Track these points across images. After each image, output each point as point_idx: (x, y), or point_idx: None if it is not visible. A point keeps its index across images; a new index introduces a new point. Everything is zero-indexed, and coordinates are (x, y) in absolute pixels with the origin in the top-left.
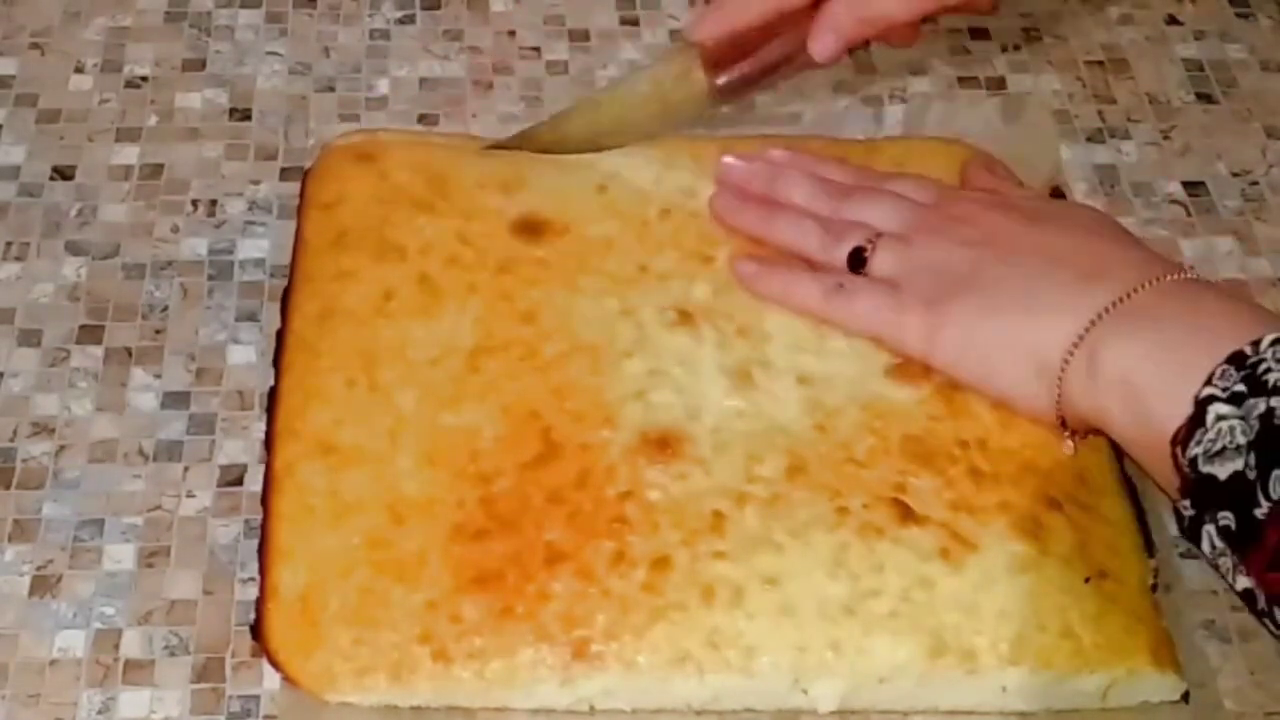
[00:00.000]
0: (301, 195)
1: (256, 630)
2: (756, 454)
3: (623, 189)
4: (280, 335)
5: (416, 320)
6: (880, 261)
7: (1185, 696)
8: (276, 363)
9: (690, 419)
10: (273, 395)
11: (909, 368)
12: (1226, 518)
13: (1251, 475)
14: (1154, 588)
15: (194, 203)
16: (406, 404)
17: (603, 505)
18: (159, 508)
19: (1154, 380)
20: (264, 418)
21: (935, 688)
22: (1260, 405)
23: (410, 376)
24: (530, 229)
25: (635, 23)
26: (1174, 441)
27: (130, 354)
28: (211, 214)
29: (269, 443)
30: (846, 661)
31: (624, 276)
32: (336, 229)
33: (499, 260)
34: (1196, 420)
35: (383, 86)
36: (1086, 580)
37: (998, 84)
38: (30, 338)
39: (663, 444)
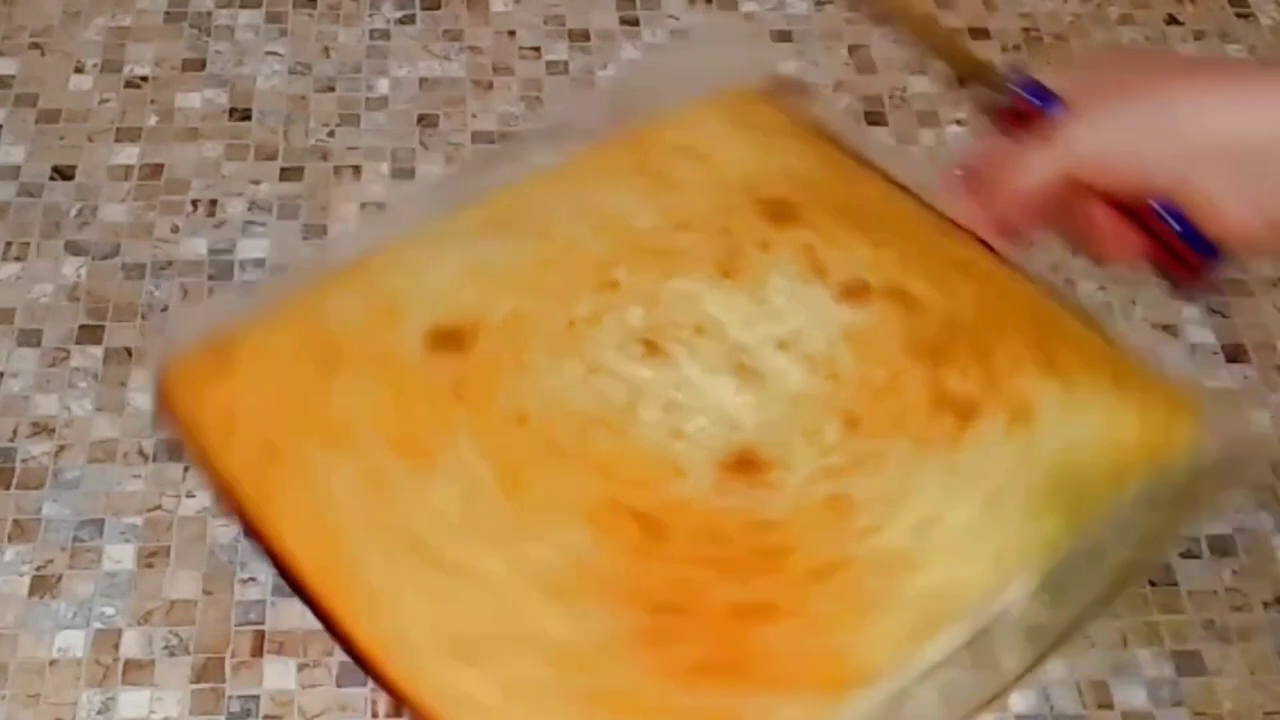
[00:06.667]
0: (181, 428)
1: None
2: (810, 428)
3: (490, 265)
4: (279, 564)
5: (420, 481)
6: None
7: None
8: (294, 587)
9: (734, 430)
10: (310, 601)
11: (851, 288)
12: None
13: None
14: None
15: (194, 203)
16: (497, 570)
17: (741, 542)
18: (159, 508)
19: None
20: None
21: None
22: None
23: (473, 535)
24: (445, 341)
25: (635, 23)
26: None
27: (130, 354)
28: (211, 214)
29: (364, 663)
30: (1020, 550)
31: (562, 340)
32: (257, 444)
33: (445, 384)
34: None
35: (383, 86)
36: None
37: None
38: (30, 338)
39: (742, 465)
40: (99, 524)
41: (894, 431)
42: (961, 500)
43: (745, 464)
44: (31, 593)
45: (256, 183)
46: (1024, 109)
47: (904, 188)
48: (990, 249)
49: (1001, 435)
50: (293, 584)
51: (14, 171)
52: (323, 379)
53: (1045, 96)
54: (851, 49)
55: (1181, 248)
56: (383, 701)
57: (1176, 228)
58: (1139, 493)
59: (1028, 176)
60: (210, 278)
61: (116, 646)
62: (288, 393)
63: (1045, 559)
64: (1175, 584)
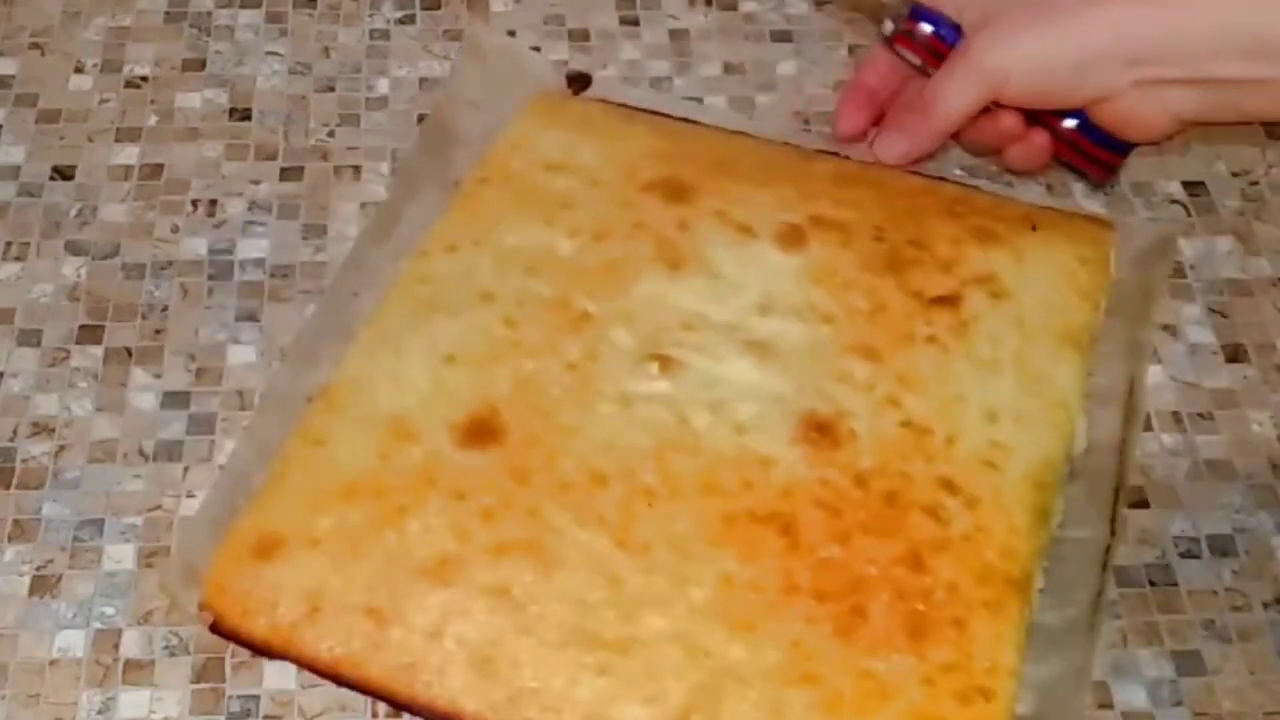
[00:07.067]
0: (246, 632)
1: None
2: (839, 372)
3: (459, 347)
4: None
5: (545, 577)
6: None
7: None
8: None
9: (781, 403)
10: None
11: (784, 234)
12: None
13: None
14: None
15: (194, 203)
16: (664, 627)
17: (860, 502)
18: (159, 508)
19: None
20: None
21: None
22: None
23: (623, 606)
24: (475, 436)
25: (635, 23)
26: None
27: (130, 354)
28: (211, 214)
29: None
30: (1063, 396)
31: (577, 387)
32: (359, 614)
33: (503, 477)
34: None
35: (383, 86)
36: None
37: None
38: (30, 338)
39: (820, 431)
40: (99, 524)
41: (908, 345)
42: (997, 380)
43: (814, 428)
44: (31, 593)
45: (256, 183)
46: (922, 35)
47: (738, 133)
48: (845, 157)
49: (991, 310)
50: None
51: (14, 171)
52: (388, 525)
53: (940, 22)
54: (851, 49)
55: (1093, 149)
56: (382, 701)
57: (1088, 131)
58: (1106, 307)
59: (951, 105)
60: (210, 278)
61: (116, 646)
62: (362, 554)
63: (1082, 395)
64: (1175, 584)
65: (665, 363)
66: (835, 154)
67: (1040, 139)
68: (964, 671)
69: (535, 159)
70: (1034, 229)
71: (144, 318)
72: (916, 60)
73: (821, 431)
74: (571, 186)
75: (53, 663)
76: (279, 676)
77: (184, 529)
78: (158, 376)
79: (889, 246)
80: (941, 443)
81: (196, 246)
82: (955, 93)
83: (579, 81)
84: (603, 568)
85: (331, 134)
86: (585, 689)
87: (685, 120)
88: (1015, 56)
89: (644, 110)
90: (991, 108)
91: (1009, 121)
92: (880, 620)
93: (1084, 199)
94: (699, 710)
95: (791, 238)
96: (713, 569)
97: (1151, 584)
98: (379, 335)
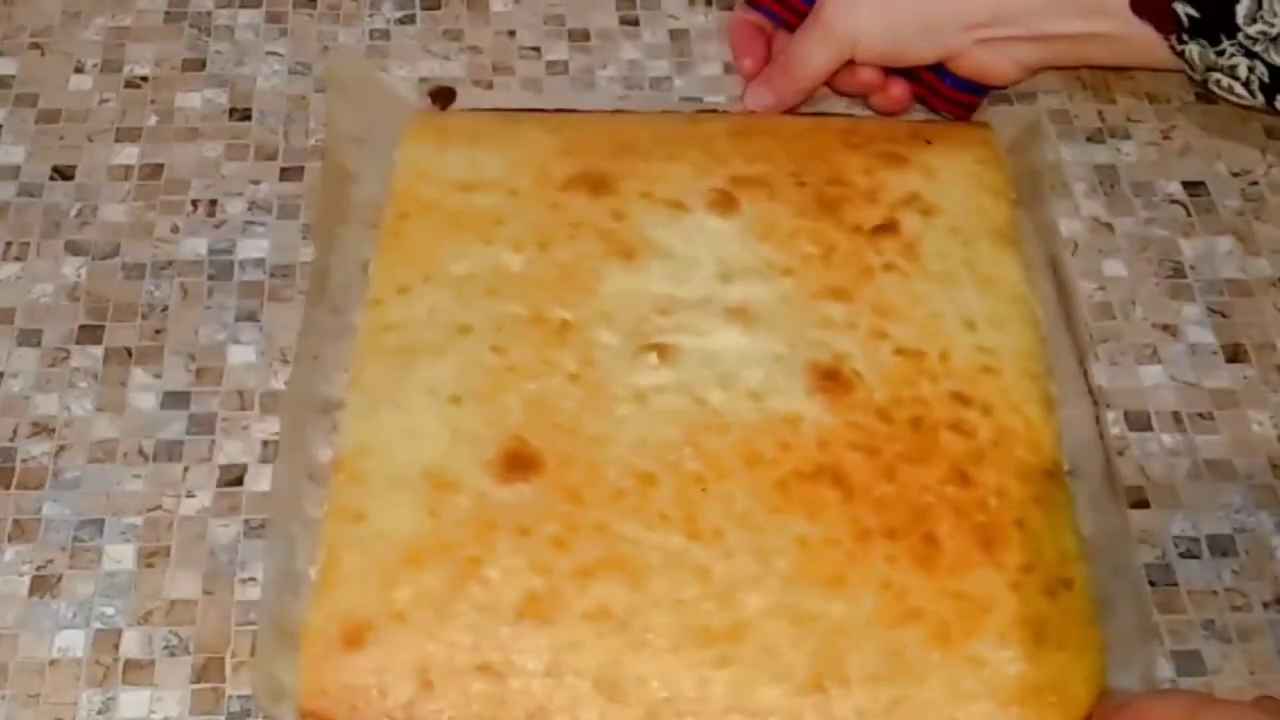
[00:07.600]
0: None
1: None
2: (819, 319)
3: (460, 387)
4: None
5: (639, 588)
6: None
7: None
8: None
9: (780, 361)
10: None
11: (715, 200)
12: None
13: None
14: None
15: (194, 203)
16: (762, 604)
17: (891, 435)
18: (159, 508)
19: None
20: (264, 416)
21: None
22: None
23: (721, 594)
24: (514, 470)
25: (635, 23)
26: None
27: (130, 354)
28: (211, 214)
29: None
30: (1017, 283)
31: (587, 395)
32: (472, 674)
33: (560, 502)
34: None
35: None
36: None
37: None
38: (30, 338)
39: (830, 378)
40: (99, 524)
41: (869, 277)
42: (959, 290)
43: (823, 376)
44: (31, 593)
45: (256, 183)
46: None
47: (616, 112)
48: (724, 111)
49: (927, 228)
50: None
51: (14, 171)
52: (467, 579)
53: None
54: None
55: (950, 92)
56: None
57: (944, 77)
58: (1013, 198)
59: (810, 66)
60: (210, 278)
61: (116, 646)
62: (452, 614)
63: (1029, 282)
64: (1175, 584)
65: (662, 351)
66: (713, 110)
67: (897, 89)
68: (1041, 567)
69: (445, 182)
70: (928, 143)
71: (144, 318)
72: (776, 17)
73: (830, 378)
74: (494, 201)
75: (53, 663)
76: None
77: (256, 644)
78: (158, 376)
79: (812, 189)
80: (937, 361)
81: (196, 246)
82: (813, 54)
83: (443, 96)
84: (685, 563)
85: None
86: (715, 685)
87: (562, 111)
88: (863, 23)
89: (518, 110)
90: (851, 63)
91: (867, 75)
92: (951, 542)
93: None
94: (826, 674)
95: (723, 203)
96: (785, 536)
97: (1151, 584)
98: (369, 395)
